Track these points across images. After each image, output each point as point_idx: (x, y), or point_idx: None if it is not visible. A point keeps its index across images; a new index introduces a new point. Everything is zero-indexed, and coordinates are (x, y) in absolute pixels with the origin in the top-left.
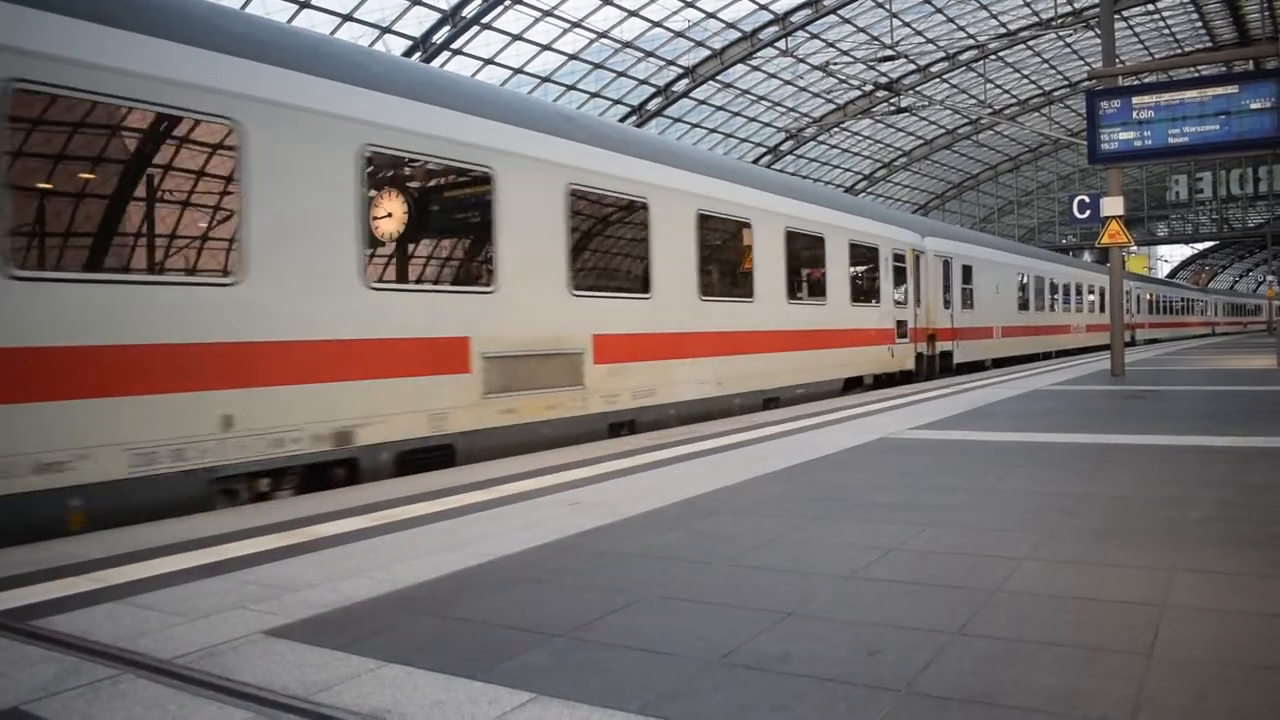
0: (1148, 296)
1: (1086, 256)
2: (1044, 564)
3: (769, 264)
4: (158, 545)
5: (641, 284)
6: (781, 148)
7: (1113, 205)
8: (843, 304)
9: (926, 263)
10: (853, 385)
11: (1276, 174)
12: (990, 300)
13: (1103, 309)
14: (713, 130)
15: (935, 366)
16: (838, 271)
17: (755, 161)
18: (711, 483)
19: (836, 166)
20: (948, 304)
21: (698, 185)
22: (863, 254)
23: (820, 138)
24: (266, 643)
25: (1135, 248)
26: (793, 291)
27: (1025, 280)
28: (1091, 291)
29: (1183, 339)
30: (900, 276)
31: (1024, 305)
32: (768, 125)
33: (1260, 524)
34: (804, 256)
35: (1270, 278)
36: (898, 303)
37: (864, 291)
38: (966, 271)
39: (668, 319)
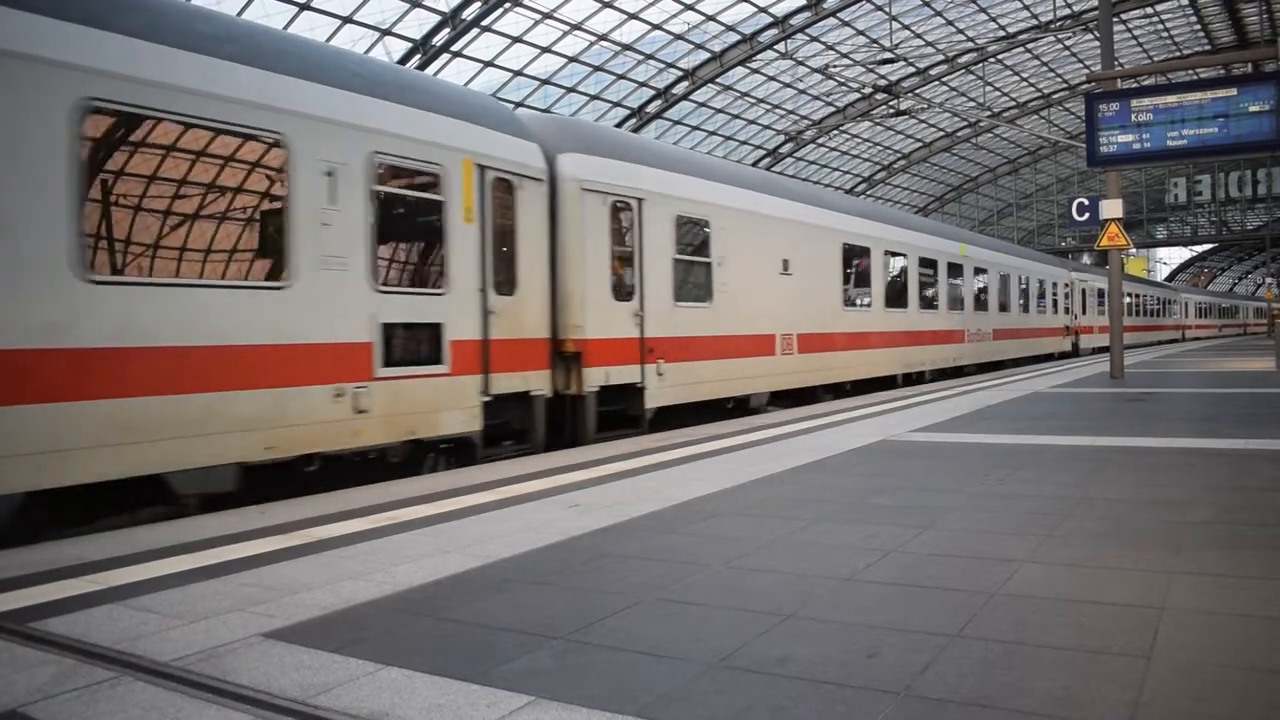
0: (1099, 291)
1: (1086, 259)
2: (1043, 566)
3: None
4: (157, 547)
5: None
6: (781, 150)
7: (1112, 208)
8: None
9: (568, 199)
10: None
11: (1275, 176)
12: (756, 286)
13: (1036, 308)
14: (712, 133)
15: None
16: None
17: (755, 164)
18: (712, 485)
19: (835, 169)
20: (624, 292)
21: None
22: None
23: (819, 140)
24: (265, 645)
25: (1134, 250)
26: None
27: (863, 257)
28: (1023, 283)
29: (1141, 346)
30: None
31: (849, 301)
32: (767, 128)
33: (1260, 526)
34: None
35: (1269, 280)
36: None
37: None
38: (689, 229)
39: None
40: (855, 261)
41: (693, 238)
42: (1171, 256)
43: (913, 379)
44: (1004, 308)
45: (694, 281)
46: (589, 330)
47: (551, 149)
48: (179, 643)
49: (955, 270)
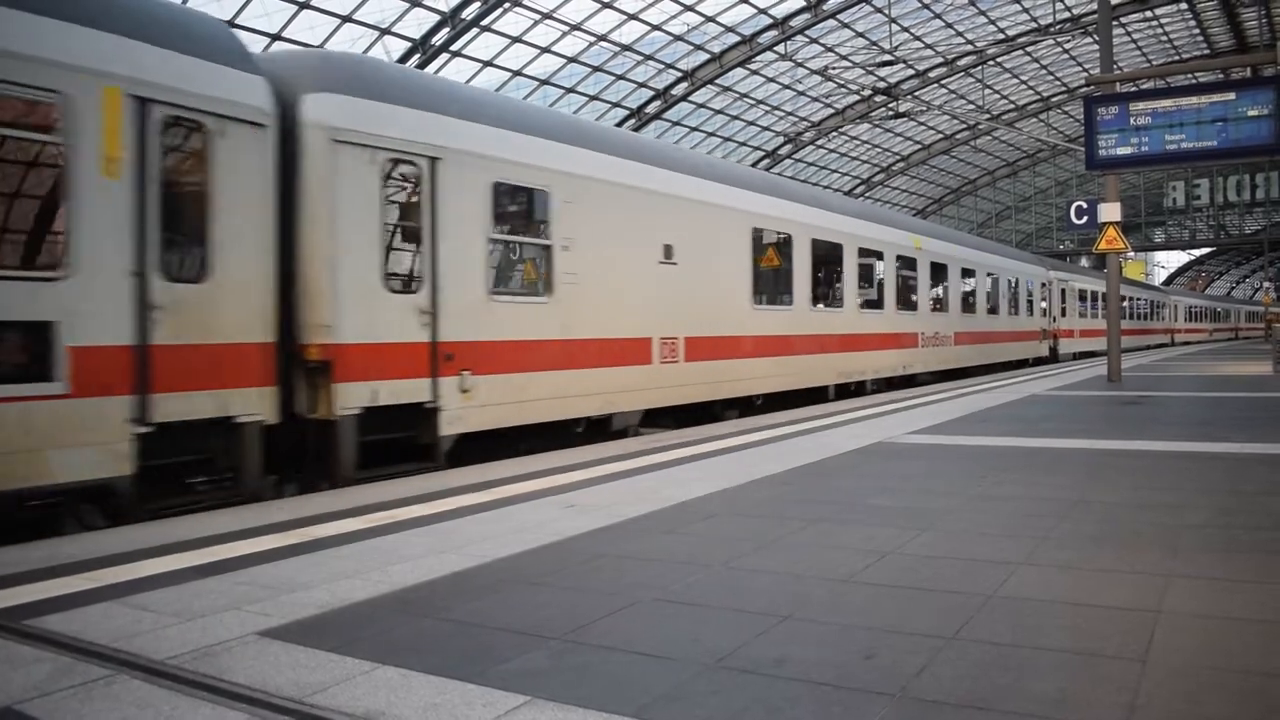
0: (1080, 291)
1: (1084, 262)
2: (1039, 569)
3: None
4: (154, 545)
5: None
6: (780, 152)
7: (1110, 211)
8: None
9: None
10: None
11: (1273, 181)
12: (623, 278)
13: (1007, 309)
14: (711, 134)
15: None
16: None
17: (755, 165)
18: (709, 486)
19: (834, 171)
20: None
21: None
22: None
23: (818, 142)
24: (261, 644)
25: (1132, 254)
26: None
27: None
28: (992, 281)
29: (1128, 351)
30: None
31: (762, 298)
32: (766, 129)
33: (1256, 530)
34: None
35: (1267, 284)
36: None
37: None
38: (517, 201)
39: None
40: (771, 251)
41: (523, 212)
42: (1169, 260)
43: (852, 390)
44: (968, 308)
45: (524, 269)
46: (344, 332)
47: (295, 87)
48: (175, 641)
49: (907, 264)
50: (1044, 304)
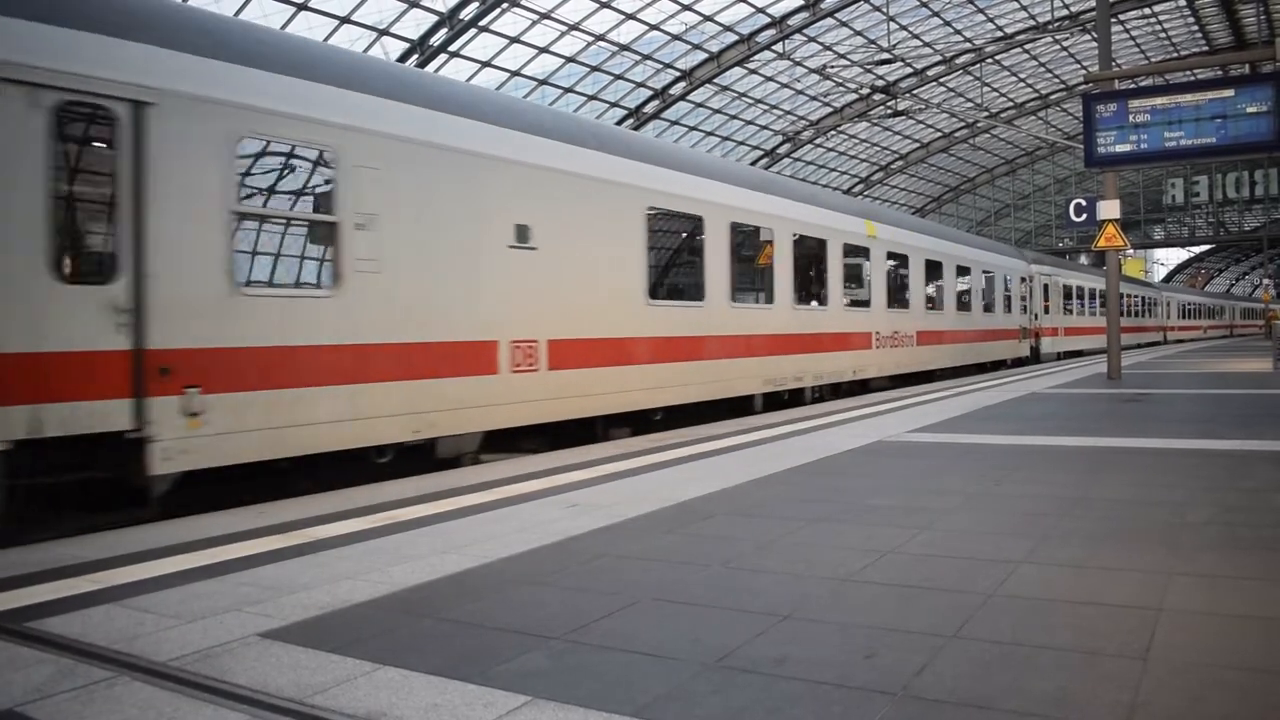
0: (1063, 286)
1: (1083, 259)
2: (1040, 567)
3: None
4: (155, 547)
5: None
6: (778, 151)
7: (1109, 209)
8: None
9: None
10: None
11: (1272, 177)
12: (456, 267)
13: (981, 306)
14: (710, 133)
15: None
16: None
17: (753, 164)
18: (709, 485)
19: (833, 170)
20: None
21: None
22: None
23: (817, 141)
24: (262, 645)
25: (1132, 251)
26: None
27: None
28: (964, 275)
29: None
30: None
31: (661, 292)
32: (764, 128)
33: (1258, 527)
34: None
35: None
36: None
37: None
38: (280, 166)
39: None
40: (674, 236)
41: (291, 180)
42: (1169, 257)
43: (785, 400)
44: (934, 305)
45: (295, 254)
46: None
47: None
48: (176, 642)
49: (859, 254)
50: (1024, 300)
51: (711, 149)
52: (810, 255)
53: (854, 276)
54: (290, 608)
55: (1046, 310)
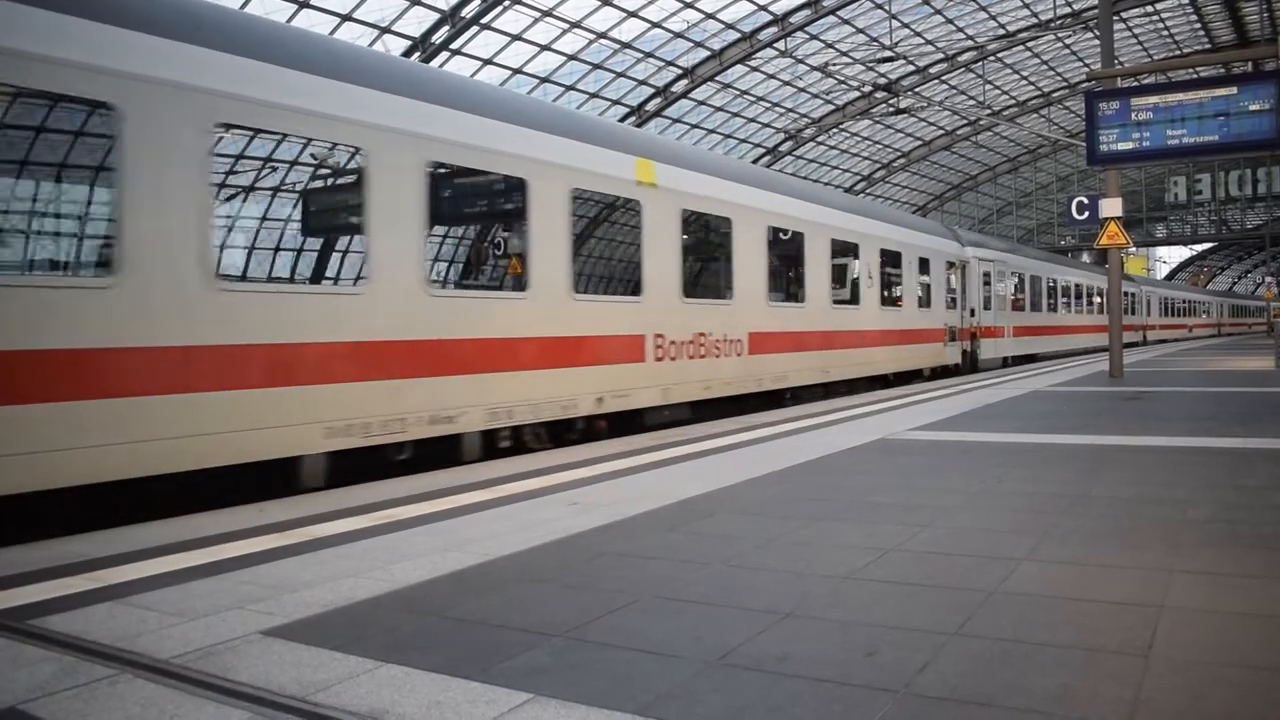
0: (1020, 277)
1: (1085, 258)
2: (1042, 565)
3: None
4: (156, 545)
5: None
6: (780, 148)
7: (1111, 207)
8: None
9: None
10: None
11: (1275, 176)
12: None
13: (877, 298)
14: (711, 131)
15: None
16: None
17: (755, 162)
18: (710, 483)
19: (835, 168)
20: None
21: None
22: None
23: (819, 139)
24: (264, 643)
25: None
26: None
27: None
28: (849, 254)
29: (1081, 354)
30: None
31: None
32: (766, 126)
33: (1260, 525)
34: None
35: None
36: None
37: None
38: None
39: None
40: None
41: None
42: (1171, 255)
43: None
44: (789, 294)
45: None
46: None
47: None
48: (178, 640)
49: (619, 211)
50: (953, 294)
51: (713, 147)
52: (499, 211)
53: (608, 248)
54: (292, 605)
55: (987, 305)
